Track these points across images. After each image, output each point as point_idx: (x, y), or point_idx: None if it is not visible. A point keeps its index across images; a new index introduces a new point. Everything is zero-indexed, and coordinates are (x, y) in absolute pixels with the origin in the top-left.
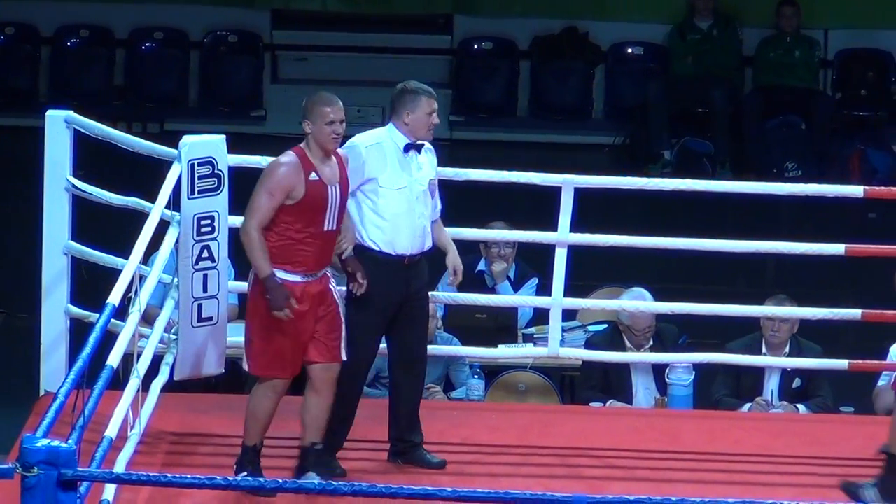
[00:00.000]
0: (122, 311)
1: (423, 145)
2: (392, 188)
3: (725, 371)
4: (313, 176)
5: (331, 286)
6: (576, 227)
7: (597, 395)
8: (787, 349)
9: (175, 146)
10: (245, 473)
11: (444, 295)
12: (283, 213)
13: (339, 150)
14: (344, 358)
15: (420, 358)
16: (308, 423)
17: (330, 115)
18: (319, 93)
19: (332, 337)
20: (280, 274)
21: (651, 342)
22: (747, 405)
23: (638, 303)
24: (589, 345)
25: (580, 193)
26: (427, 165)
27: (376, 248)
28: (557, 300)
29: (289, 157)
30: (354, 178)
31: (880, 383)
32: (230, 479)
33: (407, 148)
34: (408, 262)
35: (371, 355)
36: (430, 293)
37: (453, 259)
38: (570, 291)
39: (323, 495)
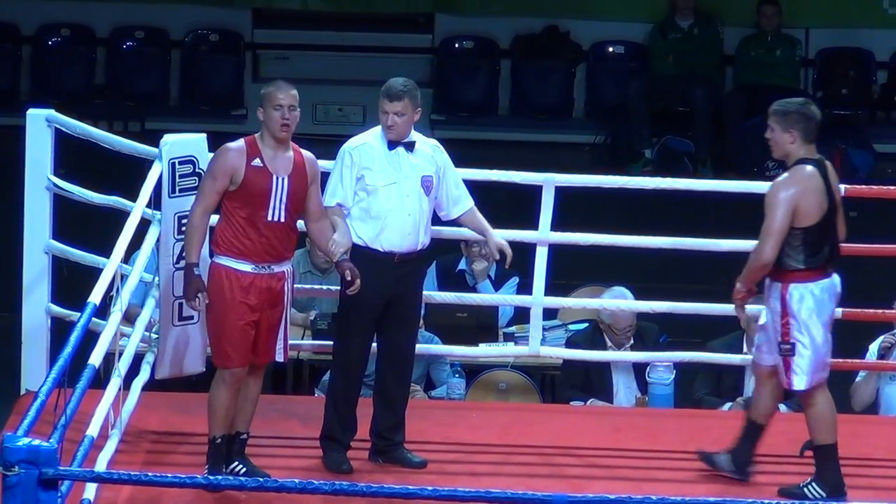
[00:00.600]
0: (103, 310)
1: (413, 143)
2: (379, 185)
3: (706, 370)
4: (256, 162)
5: (285, 287)
6: (557, 225)
7: (578, 394)
8: None
9: (156, 145)
10: (206, 469)
11: (424, 294)
12: (228, 199)
13: (306, 153)
14: (280, 359)
15: (408, 358)
16: (209, 415)
17: (279, 98)
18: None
19: (270, 337)
20: (229, 262)
21: (631, 341)
22: (728, 404)
23: (619, 301)
24: (569, 344)
25: (561, 192)
26: (424, 163)
27: (364, 245)
28: (538, 299)
29: (237, 143)
30: (349, 182)
31: (859, 379)
32: (210, 477)
33: (391, 145)
34: (398, 260)
35: (362, 352)
36: None
37: (493, 241)
38: (550, 290)
39: (304, 494)
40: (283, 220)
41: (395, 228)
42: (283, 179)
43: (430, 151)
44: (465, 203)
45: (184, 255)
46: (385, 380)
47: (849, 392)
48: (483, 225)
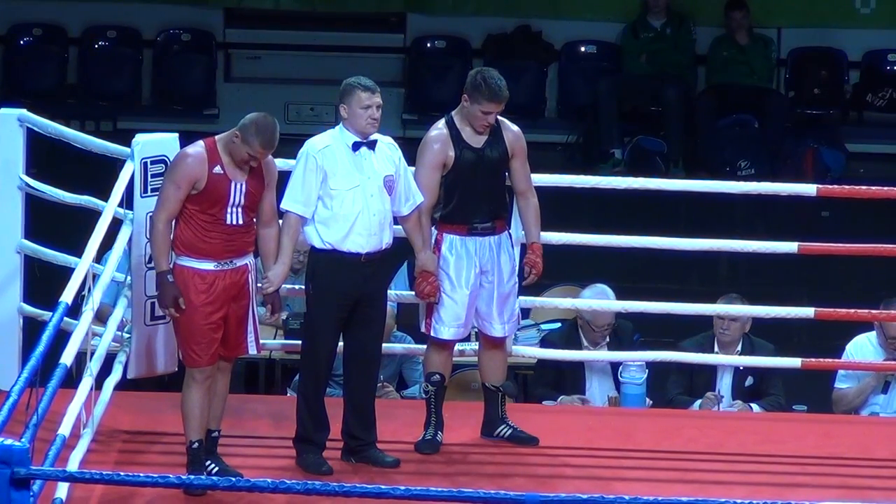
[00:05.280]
0: (75, 310)
1: (375, 142)
2: (344, 189)
3: (679, 369)
4: (217, 169)
5: (249, 279)
6: None
7: (550, 393)
8: (739, 347)
9: (128, 145)
10: (187, 474)
11: (396, 293)
12: (189, 202)
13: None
14: (253, 352)
15: (374, 358)
16: (183, 420)
17: (257, 151)
18: (266, 120)
19: (240, 331)
20: (191, 262)
21: (607, 339)
22: (697, 402)
23: (591, 301)
24: (545, 342)
25: None
26: (384, 162)
27: (330, 248)
28: None
29: (196, 148)
30: (312, 186)
31: (839, 385)
32: (183, 477)
33: (356, 146)
34: (364, 260)
35: (329, 352)
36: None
37: (418, 262)
38: (523, 290)
39: (276, 493)
40: (240, 222)
41: (361, 230)
42: (240, 184)
43: (388, 150)
44: (415, 199)
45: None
46: (352, 380)
47: (825, 394)
48: (418, 244)
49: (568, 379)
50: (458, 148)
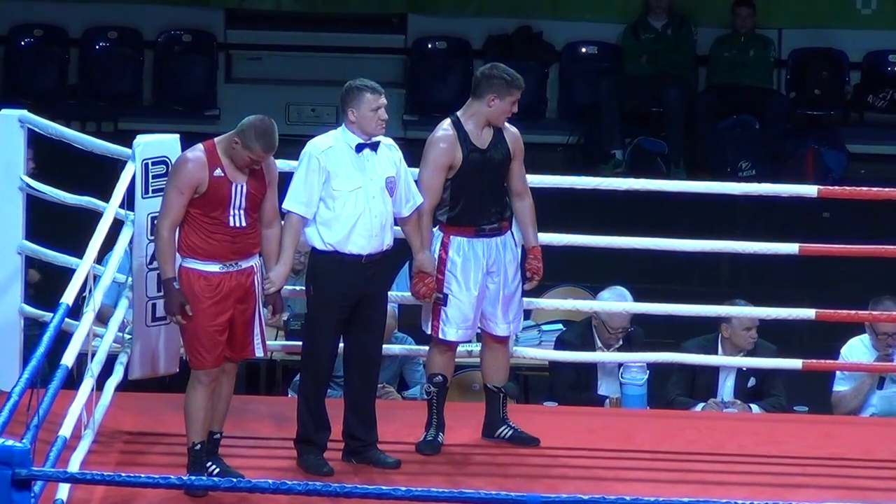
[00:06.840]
0: (76, 311)
1: (378, 143)
2: (346, 190)
3: (680, 371)
4: (218, 172)
5: (255, 281)
6: None
7: (570, 393)
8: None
9: (129, 146)
10: (188, 475)
11: (397, 294)
12: (191, 206)
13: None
14: (259, 354)
15: (374, 359)
16: (186, 421)
17: (259, 155)
18: (264, 123)
19: (246, 333)
20: (196, 265)
21: (620, 342)
22: (700, 405)
23: (593, 302)
24: (561, 341)
25: (534, 193)
26: (386, 163)
27: (332, 249)
28: None
29: (196, 152)
30: (315, 187)
31: (837, 388)
32: (184, 478)
33: (359, 148)
34: (365, 261)
35: (330, 354)
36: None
37: (416, 260)
38: (524, 291)
39: (277, 494)
40: (243, 224)
41: (362, 231)
42: (241, 186)
43: (389, 151)
44: (415, 200)
45: (159, 270)
46: (353, 382)
47: (826, 396)
48: (417, 245)
49: (583, 379)
50: (466, 149)
